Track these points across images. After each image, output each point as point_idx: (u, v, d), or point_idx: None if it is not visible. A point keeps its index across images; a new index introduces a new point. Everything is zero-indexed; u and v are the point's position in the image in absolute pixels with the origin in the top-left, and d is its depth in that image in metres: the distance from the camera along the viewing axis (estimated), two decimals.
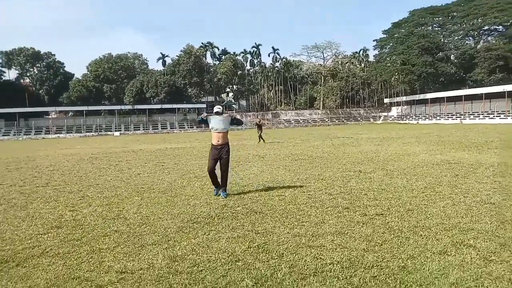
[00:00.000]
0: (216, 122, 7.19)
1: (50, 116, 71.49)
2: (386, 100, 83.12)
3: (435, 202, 6.16)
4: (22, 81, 75.97)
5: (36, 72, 75.24)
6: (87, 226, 5.55)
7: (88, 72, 75.60)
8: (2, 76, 71.71)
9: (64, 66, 77.13)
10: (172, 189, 8.26)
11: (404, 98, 75.79)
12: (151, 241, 4.70)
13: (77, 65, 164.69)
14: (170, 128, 67.68)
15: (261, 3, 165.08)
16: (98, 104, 72.81)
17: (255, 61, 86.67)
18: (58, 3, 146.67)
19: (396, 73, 76.34)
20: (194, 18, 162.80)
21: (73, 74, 77.97)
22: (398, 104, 79.15)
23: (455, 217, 5.29)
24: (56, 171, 12.69)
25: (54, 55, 75.77)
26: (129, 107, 69.50)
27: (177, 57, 76.55)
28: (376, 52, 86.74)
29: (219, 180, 7.35)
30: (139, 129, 66.45)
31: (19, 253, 4.47)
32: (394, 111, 79.65)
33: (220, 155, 7.19)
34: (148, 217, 5.87)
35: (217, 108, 7.32)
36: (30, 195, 8.25)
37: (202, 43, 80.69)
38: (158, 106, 69.75)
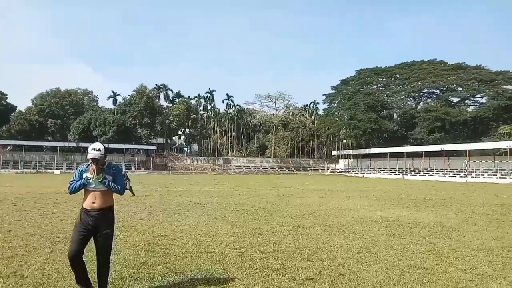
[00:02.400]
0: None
1: None
2: (334, 152, 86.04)
3: (368, 266, 5.90)
4: None
5: None
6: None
7: (33, 106, 72.02)
8: None
9: (7, 97, 73.02)
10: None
11: (350, 152, 78.87)
12: None
13: (22, 97, 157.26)
14: None
15: (216, 49, 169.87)
16: (41, 140, 68.91)
17: (209, 106, 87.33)
18: (6, 25, 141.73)
19: (344, 127, 79.78)
20: (149, 58, 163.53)
21: (16, 107, 73.89)
22: (345, 157, 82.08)
23: (387, 284, 5.02)
24: None
25: None
26: (74, 144, 66.29)
27: (129, 97, 75.32)
28: (326, 106, 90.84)
29: (90, 275, 4.48)
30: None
31: None
32: (342, 163, 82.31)
33: (96, 227, 4.25)
34: (50, 276, 5.08)
35: (94, 152, 4.21)
36: None
37: (156, 84, 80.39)
38: (106, 145, 67.05)
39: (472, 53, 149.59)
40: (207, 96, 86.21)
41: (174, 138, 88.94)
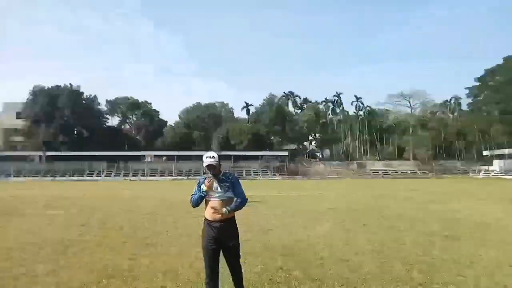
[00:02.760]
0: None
1: (145, 160, 77.52)
2: (485, 153, 75.49)
3: None
4: (122, 127, 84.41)
5: (135, 119, 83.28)
6: (138, 278, 5.43)
7: (180, 120, 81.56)
8: (106, 122, 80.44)
9: (159, 114, 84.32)
10: None
11: (506, 151, 68.16)
12: None
13: (170, 112, 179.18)
14: (254, 174, 68.79)
15: (345, 52, 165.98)
16: (188, 150, 77.47)
17: (337, 109, 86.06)
18: (152, 57, 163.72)
19: (496, 123, 69.57)
20: (276, 66, 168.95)
21: (166, 121, 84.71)
22: (500, 157, 71.26)
23: None
24: (133, 214, 13.24)
25: (150, 103, 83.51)
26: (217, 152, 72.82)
27: (260, 106, 79.36)
28: (470, 100, 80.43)
29: None
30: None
31: None
32: (496, 164, 71.69)
33: (221, 240, 4.16)
34: (198, 275, 5.58)
35: (208, 159, 4.18)
36: (103, 239, 8.56)
37: (284, 92, 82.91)
38: (242, 153, 71.83)
39: None
40: (334, 100, 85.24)
41: (305, 143, 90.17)
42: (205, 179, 4.22)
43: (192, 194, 4.24)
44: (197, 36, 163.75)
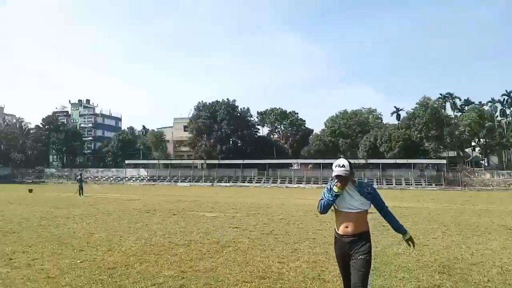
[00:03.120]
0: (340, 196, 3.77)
1: (293, 168, 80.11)
2: None
3: None
4: (272, 136, 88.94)
5: (283, 128, 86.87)
6: (287, 281, 5.64)
7: (325, 128, 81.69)
8: (258, 132, 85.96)
9: (305, 123, 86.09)
10: (382, 255, 7.53)
11: None
12: None
13: (317, 121, 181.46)
14: (405, 184, 64.28)
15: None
16: (334, 158, 77.04)
17: (507, 111, 73.73)
18: (299, 68, 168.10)
19: None
20: (431, 69, 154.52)
21: (312, 130, 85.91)
22: None
23: None
24: (283, 220, 13.80)
25: (297, 113, 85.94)
26: (363, 161, 70.48)
27: (412, 110, 73.62)
28: None
29: None
30: (373, 183, 65.88)
31: None
32: None
33: (350, 254, 3.72)
34: None
35: (338, 169, 3.78)
36: (254, 241, 9.17)
37: (441, 94, 75.09)
38: (392, 161, 67.83)
39: None
40: (504, 99, 73.29)
41: (466, 150, 79.97)
42: (336, 182, 3.72)
43: (321, 199, 3.83)
44: (344, 43, 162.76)
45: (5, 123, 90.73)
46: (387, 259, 7.20)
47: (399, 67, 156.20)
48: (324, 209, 3.77)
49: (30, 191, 33.36)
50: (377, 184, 65.16)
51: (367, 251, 3.65)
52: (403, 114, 79.47)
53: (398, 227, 3.83)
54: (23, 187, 42.31)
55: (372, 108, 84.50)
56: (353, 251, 3.66)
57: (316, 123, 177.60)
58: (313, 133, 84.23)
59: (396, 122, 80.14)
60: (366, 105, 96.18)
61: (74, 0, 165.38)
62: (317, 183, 68.07)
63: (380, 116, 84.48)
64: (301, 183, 68.57)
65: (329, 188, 3.79)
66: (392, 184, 65.11)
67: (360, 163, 71.32)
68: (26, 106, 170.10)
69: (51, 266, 6.50)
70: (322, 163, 72.24)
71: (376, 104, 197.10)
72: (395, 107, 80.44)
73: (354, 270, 3.62)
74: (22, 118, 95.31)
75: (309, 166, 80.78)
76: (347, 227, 3.69)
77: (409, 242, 3.80)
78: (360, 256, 3.62)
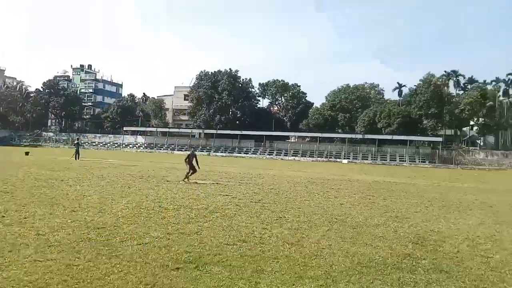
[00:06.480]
0: None
1: (290, 140, 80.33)
2: None
3: None
4: (271, 108, 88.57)
5: (283, 101, 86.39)
6: (267, 245, 5.91)
7: (326, 102, 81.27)
8: (258, 104, 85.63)
9: (306, 96, 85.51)
10: (362, 225, 7.83)
11: None
12: (311, 275, 4.57)
13: (317, 95, 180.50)
14: (400, 160, 64.78)
15: None
16: (332, 132, 77.11)
17: (511, 91, 73.23)
18: (305, 39, 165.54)
19: None
20: (434, 45, 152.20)
21: (313, 103, 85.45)
22: None
23: None
24: (272, 190, 14.10)
25: (299, 86, 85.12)
26: (360, 136, 70.69)
27: (414, 87, 73.12)
28: None
29: None
30: (367, 159, 66.35)
31: (201, 257, 5.16)
32: None
33: None
34: (323, 250, 5.74)
35: None
36: (242, 208, 9.45)
37: (445, 71, 74.27)
38: (389, 137, 68.00)
39: None
40: (508, 79, 72.58)
41: (464, 129, 79.99)
42: None
43: None
44: (353, 17, 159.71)
45: (5, 85, 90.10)
46: (366, 229, 7.50)
47: (409, 44, 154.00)
48: None
49: (27, 153, 33.65)
50: (372, 159, 65.70)
51: None
52: (405, 90, 79.02)
53: None
54: (20, 150, 42.57)
55: (375, 83, 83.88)
56: None
57: (318, 98, 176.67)
58: (313, 106, 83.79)
59: (398, 98, 79.89)
60: (371, 80, 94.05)
61: None
62: (312, 156, 68.56)
63: (382, 91, 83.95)
64: (296, 156, 68.99)
65: None
66: (386, 160, 65.63)
67: (357, 138, 71.53)
68: (28, 71, 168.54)
69: (42, 224, 6.75)
70: (320, 137, 72.47)
71: (383, 79, 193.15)
72: (398, 83, 79.82)
73: None
74: (22, 81, 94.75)
75: (306, 139, 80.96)
76: None
77: None
78: None
